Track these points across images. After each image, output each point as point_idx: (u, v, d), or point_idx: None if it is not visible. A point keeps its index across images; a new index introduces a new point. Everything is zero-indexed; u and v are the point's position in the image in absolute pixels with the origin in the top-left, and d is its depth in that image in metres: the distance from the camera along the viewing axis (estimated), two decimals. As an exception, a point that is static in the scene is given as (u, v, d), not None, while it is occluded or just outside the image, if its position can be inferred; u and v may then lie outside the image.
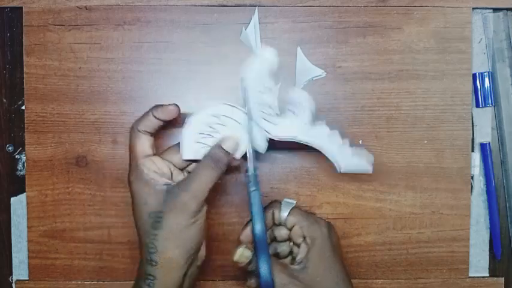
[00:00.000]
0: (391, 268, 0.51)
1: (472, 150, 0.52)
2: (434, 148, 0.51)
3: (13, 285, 0.51)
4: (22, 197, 0.51)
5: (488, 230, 0.52)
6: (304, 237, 0.44)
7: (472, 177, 0.52)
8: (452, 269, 0.52)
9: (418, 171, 0.51)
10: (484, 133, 0.52)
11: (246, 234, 0.45)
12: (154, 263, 0.40)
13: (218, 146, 0.43)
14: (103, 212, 0.51)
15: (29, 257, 0.51)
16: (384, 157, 0.51)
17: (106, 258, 0.51)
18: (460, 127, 0.51)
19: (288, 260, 0.46)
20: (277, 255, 0.46)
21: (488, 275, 0.52)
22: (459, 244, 0.51)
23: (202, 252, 0.43)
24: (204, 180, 0.41)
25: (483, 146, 0.51)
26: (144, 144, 0.43)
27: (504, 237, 0.52)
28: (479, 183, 0.52)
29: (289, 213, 0.45)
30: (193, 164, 0.45)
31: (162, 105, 0.43)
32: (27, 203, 0.50)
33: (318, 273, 0.43)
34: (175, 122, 0.44)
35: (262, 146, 0.45)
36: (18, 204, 0.51)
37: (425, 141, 0.51)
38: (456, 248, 0.51)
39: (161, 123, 0.43)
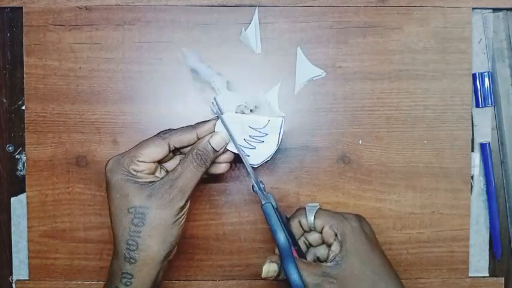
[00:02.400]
0: (391, 268, 0.51)
1: (472, 150, 0.52)
2: (434, 148, 0.51)
3: (13, 285, 0.51)
4: (22, 197, 0.51)
5: (488, 230, 0.52)
6: (336, 235, 0.43)
7: (472, 177, 0.52)
8: (452, 269, 0.52)
9: (418, 171, 0.51)
10: (484, 133, 0.52)
11: (268, 270, 0.43)
12: (133, 260, 0.40)
13: (206, 142, 0.42)
14: (103, 212, 0.51)
15: (29, 257, 0.51)
16: (384, 157, 0.51)
17: (106, 258, 0.51)
18: (460, 127, 0.51)
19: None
20: (318, 260, 0.46)
21: (488, 275, 0.52)
22: (459, 244, 0.51)
23: (175, 247, 0.43)
24: (191, 176, 0.41)
25: (483, 146, 0.51)
26: (159, 154, 0.42)
27: (504, 237, 0.52)
28: (479, 183, 0.52)
29: (315, 216, 0.44)
30: (172, 161, 0.45)
31: (205, 122, 0.43)
32: (27, 203, 0.50)
33: (354, 268, 0.41)
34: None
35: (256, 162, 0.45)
36: (18, 204, 0.51)
37: (425, 141, 0.51)
38: (456, 248, 0.51)
39: (195, 141, 0.43)
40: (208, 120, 0.44)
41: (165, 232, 0.40)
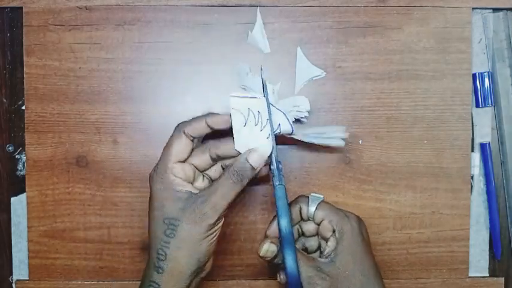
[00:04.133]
0: (391, 268, 0.51)
1: (472, 150, 0.52)
2: (434, 148, 0.51)
3: (13, 285, 0.51)
4: (22, 197, 0.51)
5: (488, 230, 0.52)
6: (334, 231, 0.43)
7: (472, 177, 0.52)
8: (452, 269, 0.52)
9: (418, 171, 0.51)
10: (484, 133, 0.52)
11: (273, 229, 0.44)
12: (160, 270, 0.40)
13: (244, 160, 0.41)
14: (103, 212, 0.51)
15: (29, 257, 0.51)
16: (384, 157, 0.51)
17: (106, 258, 0.51)
18: (460, 127, 0.51)
19: (316, 255, 0.46)
20: (305, 251, 0.46)
21: (488, 275, 0.52)
22: (459, 244, 0.51)
23: (209, 264, 0.43)
24: (226, 193, 0.40)
25: (483, 146, 0.51)
26: (183, 147, 0.42)
27: (504, 237, 0.52)
28: (479, 183, 0.52)
29: (316, 207, 0.44)
30: (214, 168, 0.45)
31: (217, 114, 0.42)
32: (27, 203, 0.50)
33: (346, 267, 0.42)
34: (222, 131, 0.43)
35: (289, 128, 0.44)
36: (18, 204, 0.51)
37: (425, 141, 0.51)
38: (456, 248, 0.51)
39: (209, 130, 0.42)
40: (219, 114, 0.43)
41: (193, 247, 0.40)
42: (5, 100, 0.51)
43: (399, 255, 0.51)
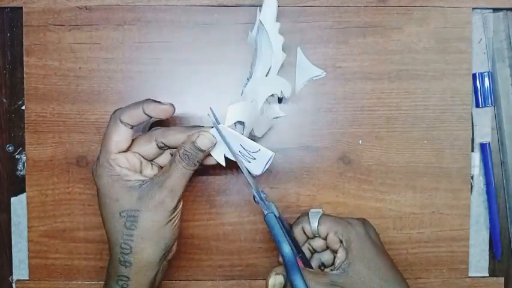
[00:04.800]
0: (391, 268, 0.51)
1: (472, 150, 0.52)
2: (434, 148, 0.51)
3: (13, 285, 0.51)
4: (22, 197, 0.51)
5: (488, 230, 0.52)
6: (341, 241, 0.42)
7: (472, 177, 0.52)
8: (452, 269, 0.52)
9: (418, 171, 0.51)
10: (484, 133, 0.52)
11: (274, 283, 0.42)
12: (128, 264, 0.39)
13: (191, 142, 0.40)
14: (103, 212, 0.51)
15: (29, 257, 0.51)
16: (384, 157, 0.51)
17: (106, 258, 0.50)
18: (460, 127, 0.51)
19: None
20: (323, 265, 0.45)
21: (488, 275, 0.52)
22: (459, 244, 0.51)
23: (174, 247, 0.43)
24: (180, 176, 0.40)
25: (483, 146, 0.51)
26: (122, 136, 0.40)
27: (504, 237, 0.52)
28: (479, 183, 0.52)
29: (318, 223, 0.43)
30: (162, 157, 0.44)
31: (156, 102, 0.41)
32: (27, 203, 0.50)
33: (361, 275, 0.40)
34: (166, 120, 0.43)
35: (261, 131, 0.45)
36: (18, 204, 0.51)
37: (425, 141, 0.51)
38: (456, 247, 0.51)
39: (148, 118, 0.41)
40: (204, 127, 0.42)
41: (158, 234, 0.40)
42: (5, 100, 0.51)
43: (399, 255, 0.51)
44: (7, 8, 0.50)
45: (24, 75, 0.50)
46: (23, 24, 0.50)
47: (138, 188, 0.40)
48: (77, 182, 0.50)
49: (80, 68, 0.50)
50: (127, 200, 0.39)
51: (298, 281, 0.40)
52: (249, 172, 0.43)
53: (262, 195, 0.43)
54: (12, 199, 0.51)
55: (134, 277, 0.39)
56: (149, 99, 0.41)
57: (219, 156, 0.43)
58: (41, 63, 0.50)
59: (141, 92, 0.50)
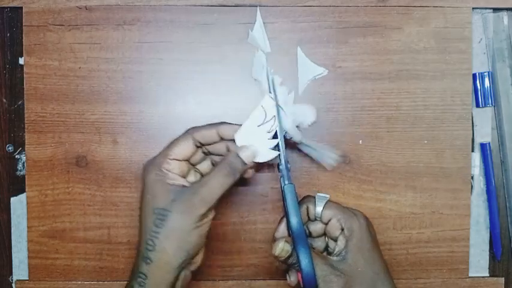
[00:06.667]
0: (391, 268, 0.51)
1: (472, 150, 0.52)
2: (434, 148, 0.51)
3: (13, 285, 0.51)
4: (22, 197, 0.51)
5: (488, 230, 0.52)
6: (342, 229, 0.43)
7: (472, 177, 0.52)
8: (452, 269, 0.52)
9: (418, 171, 0.51)
10: (484, 133, 0.52)
11: (281, 230, 0.44)
12: (149, 261, 0.40)
13: (235, 155, 0.42)
14: (103, 212, 0.51)
15: (29, 257, 0.51)
16: (384, 157, 0.51)
17: (106, 258, 0.51)
18: (460, 127, 0.51)
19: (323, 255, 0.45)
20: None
21: (488, 275, 0.52)
22: (459, 244, 0.51)
23: (199, 258, 0.43)
24: (216, 186, 0.41)
25: (483, 146, 0.51)
26: (186, 150, 0.42)
27: (504, 237, 0.52)
28: (479, 183, 0.52)
29: (324, 207, 0.44)
30: (205, 163, 0.45)
31: (230, 124, 0.43)
32: (27, 203, 0.50)
33: (358, 264, 0.42)
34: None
35: (296, 133, 0.45)
36: (18, 204, 0.51)
37: (425, 141, 0.51)
38: (456, 248, 0.51)
39: (219, 139, 0.43)
40: (232, 124, 0.43)
41: (183, 238, 0.40)
42: (5, 100, 0.51)
43: (399, 255, 0.51)
44: (7, 8, 0.50)
45: (24, 75, 0.50)
46: (23, 24, 0.50)
47: (175, 191, 0.41)
48: (76, 182, 0.50)
49: (79, 68, 0.50)
50: (163, 199, 0.40)
51: (304, 253, 0.41)
52: (287, 139, 0.45)
53: (288, 166, 0.44)
54: (12, 199, 0.51)
55: (152, 276, 0.40)
56: (224, 122, 0.43)
57: (268, 153, 0.44)
58: (40, 63, 0.50)
59: (141, 92, 0.50)
